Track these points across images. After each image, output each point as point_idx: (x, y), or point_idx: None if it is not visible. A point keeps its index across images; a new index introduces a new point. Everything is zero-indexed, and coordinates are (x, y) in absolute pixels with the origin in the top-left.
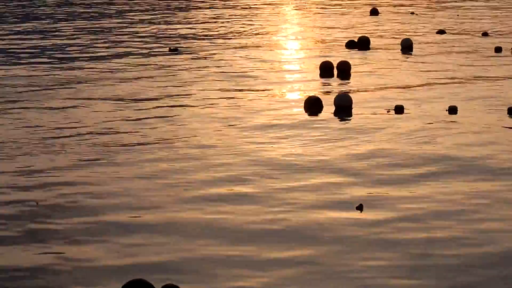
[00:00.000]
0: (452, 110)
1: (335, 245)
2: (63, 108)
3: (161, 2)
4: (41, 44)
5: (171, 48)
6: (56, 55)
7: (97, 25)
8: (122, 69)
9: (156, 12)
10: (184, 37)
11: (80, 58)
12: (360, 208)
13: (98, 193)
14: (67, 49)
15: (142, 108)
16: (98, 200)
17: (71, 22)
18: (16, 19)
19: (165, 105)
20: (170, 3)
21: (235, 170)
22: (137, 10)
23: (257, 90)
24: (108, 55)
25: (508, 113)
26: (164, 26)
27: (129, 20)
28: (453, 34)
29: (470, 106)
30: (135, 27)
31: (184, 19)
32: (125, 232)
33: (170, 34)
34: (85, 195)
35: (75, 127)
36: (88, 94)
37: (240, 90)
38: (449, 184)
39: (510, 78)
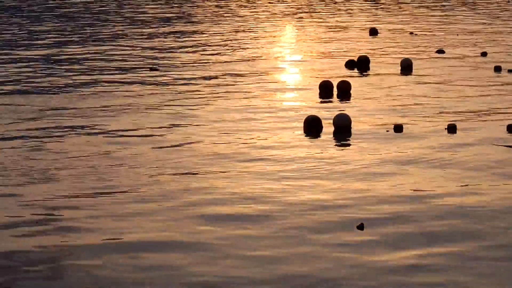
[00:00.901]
0: (451, 128)
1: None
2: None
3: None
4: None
5: (152, 67)
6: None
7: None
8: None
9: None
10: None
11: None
12: (361, 227)
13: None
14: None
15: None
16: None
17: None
18: None
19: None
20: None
21: (231, 191)
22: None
23: (256, 109)
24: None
25: (507, 130)
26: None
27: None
28: (452, 53)
29: (469, 124)
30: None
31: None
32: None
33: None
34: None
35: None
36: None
37: (237, 108)
38: (443, 201)
39: (509, 95)
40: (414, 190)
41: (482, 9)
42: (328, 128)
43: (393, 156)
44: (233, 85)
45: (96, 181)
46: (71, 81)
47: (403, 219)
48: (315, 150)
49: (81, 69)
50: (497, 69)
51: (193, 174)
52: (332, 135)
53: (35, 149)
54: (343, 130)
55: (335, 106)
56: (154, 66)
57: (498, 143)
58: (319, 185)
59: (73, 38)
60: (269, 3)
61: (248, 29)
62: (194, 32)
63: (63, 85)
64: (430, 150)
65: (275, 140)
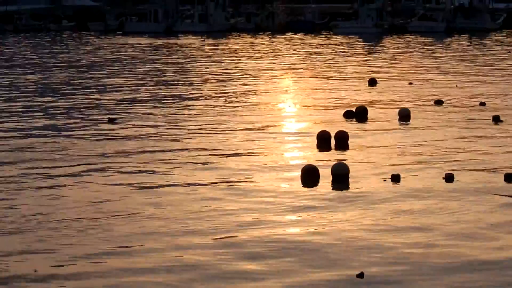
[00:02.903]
0: (449, 178)
1: None
2: None
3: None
4: None
5: (110, 118)
6: None
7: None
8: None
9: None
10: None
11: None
12: (361, 276)
13: None
14: None
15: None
16: None
17: None
18: None
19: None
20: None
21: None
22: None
23: (254, 157)
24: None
25: (504, 179)
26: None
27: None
28: (451, 103)
29: (467, 174)
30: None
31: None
32: None
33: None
34: None
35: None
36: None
37: (234, 155)
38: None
39: (506, 145)
40: (415, 243)
41: (482, 60)
42: (326, 176)
43: (391, 208)
44: (231, 134)
45: None
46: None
47: (404, 274)
48: (312, 200)
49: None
50: (496, 119)
51: (190, 220)
52: (330, 184)
53: None
54: (341, 179)
55: (333, 155)
56: (112, 117)
57: (496, 193)
58: (316, 237)
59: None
60: (271, 53)
61: (248, 78)
62: (194, 84)
63: None
64: (429, 200)
65: (273, 189)
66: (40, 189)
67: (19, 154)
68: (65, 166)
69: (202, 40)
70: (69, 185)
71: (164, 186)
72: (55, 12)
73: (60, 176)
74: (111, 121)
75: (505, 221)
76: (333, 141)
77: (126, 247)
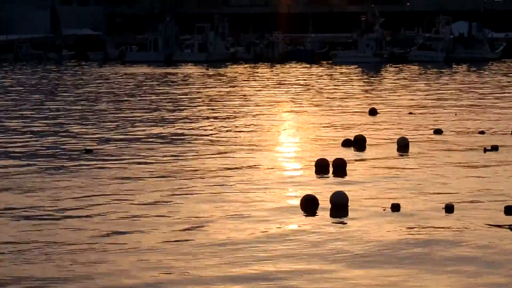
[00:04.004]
0: (449, 208)
1: None
2: None
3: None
4: None
5: (86, 149)
6: None
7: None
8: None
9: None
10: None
11: None
12: None
13: None
14: None
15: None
16: None
17: None
18: None
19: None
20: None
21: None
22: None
23: (253, 185)
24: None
25: (504, 212)
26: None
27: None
28: (450, 132)
29: (466, 205)
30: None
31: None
32: None
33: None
34: None
35: None
36: None
37: (233, 186)
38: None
39: (506, 176)
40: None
41: (481, 89)
42: (325, 206)
43: (391, 238)
44: (230, 163)
45: None
46: None
47: None
48: (311, 230)
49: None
50: (494, 148)
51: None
52: (329, 213)
53: None
54: (340, 209)
55: (332, 184)
56: (88, 149)
57: (496, 224)
58: (315, 269)
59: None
60: (271, 82)
61: (247, 106)
62: (192, 115)
63: None
64: (429, 230)
65: (271, 219)
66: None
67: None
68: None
69: (206, 69)
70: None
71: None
72: (55, 41)
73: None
74: (88, 152)
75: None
76: (331, 169)
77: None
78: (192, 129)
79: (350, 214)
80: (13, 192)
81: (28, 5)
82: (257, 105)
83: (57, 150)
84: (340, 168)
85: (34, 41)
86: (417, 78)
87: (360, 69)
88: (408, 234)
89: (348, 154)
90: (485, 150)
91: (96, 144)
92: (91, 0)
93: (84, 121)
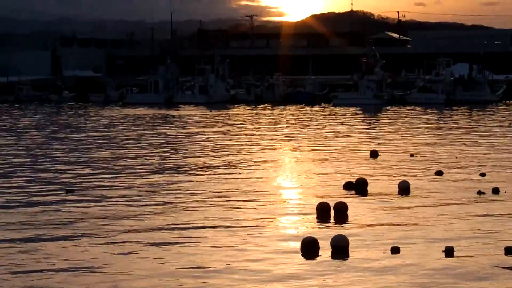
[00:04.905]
0: (449, 252)
1: None
2: None
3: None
4: None
5: (67, 189)
6: None
7: None
8: None
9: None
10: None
11: None
12: None
13: None
14: None
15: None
16: None
17: None
18: None
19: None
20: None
21: None
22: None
23: (254, 229)
24: None
25: (505, 253)
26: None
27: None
28: (451, 175)
29: (466, 247)
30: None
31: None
32: None
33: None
34: None
35: None
36: None
37: (233, 226)
38: None
39: (506, 218)
40: None
41: (482, 131)
42: (325, 249)
43: (391, 281)
44: (229, 206)
45: None
46: None
47: None
48: (311, 272)
49: None
50: (495, 191)
51: None
52: (329, 256)
53: None
54: (340, 251)
55: (332, 227)
56: (70, 189)
57: (497, 265)
58: None
59: None
60: (271, 124)
61: (247, 148)
62: (192, 155)
63: None
64: (429, 273)
65: (272, 262)
66: None
67: None
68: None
69: (210, 111)
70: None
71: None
72: (56, 82)
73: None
74: (69, 192)
75: None
76: (332, 212)
77: None
78: (189, 180)
79: (351, 256)
80: None
81: (29, 47)
82: (257, 148)
83: (38, 189)
84: (341, 212)
85: (35, 83)
86: (417, 120)
87: (360, 111)
88: (409, 277)
89: (350, 196)
90: (480, 193)
91: (78, 184)
92: (92, 42)
93: (68, 161)
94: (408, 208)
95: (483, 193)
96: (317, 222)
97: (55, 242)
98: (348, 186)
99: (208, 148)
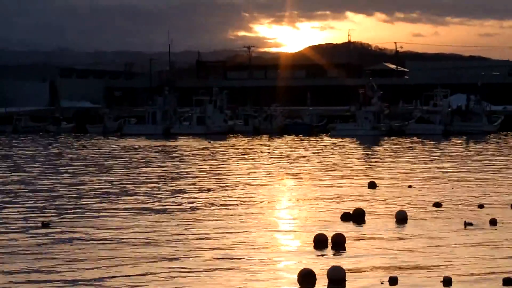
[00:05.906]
0: (447, 282)
1: None
2: None
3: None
4: None
5: (44, 222)
6: None
7: None
8: None
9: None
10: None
11: None
12: None
13: None
14: None
15: None
16: None
17: None
18: None
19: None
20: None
21: None
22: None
23: (251, 260)
24: None
25: (503, 283)
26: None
27: None
28: (449, 206)
29: (464, 279)
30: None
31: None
32: None
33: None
34: None
35: None
36: None
37: (230, 261)
38: None
39: (504, 249)
40: None
41: (479, 162)
42: (322, 280)
43: None
44: (225, 238)
45: None
46: None
47: None
48: None
49: None
50: (493, 222)
51: None
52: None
53: None
54: (337, 283)
55: (330, 259)
56: (46, 222)
57: None
58: None
59: None
60: (269, 155)
61: (247, 179)
62: (187, 189)
63: None
64: None
65: None
66: None
67: None
68: None
69: (209, 142)
70: None
71: None
72: (54, 114)
73: None
74: (45, 225)
75: None
76: (329, 244)
77: None
78: (185, 202)
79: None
80: None
81: (28, 78)
82: (254, 179)
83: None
84: (338, 243)
85: (33, 114)
86: (415, 151)
87: (358, 142)
88: None
89: (347, 227)
90: (465, 224)
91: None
92: (90, 73)
93: (46, 194)
94: (406, 238)
95: (469, 224)
96: (315, 253)
97: None
98: (346, 216)
99: (201, 177)
